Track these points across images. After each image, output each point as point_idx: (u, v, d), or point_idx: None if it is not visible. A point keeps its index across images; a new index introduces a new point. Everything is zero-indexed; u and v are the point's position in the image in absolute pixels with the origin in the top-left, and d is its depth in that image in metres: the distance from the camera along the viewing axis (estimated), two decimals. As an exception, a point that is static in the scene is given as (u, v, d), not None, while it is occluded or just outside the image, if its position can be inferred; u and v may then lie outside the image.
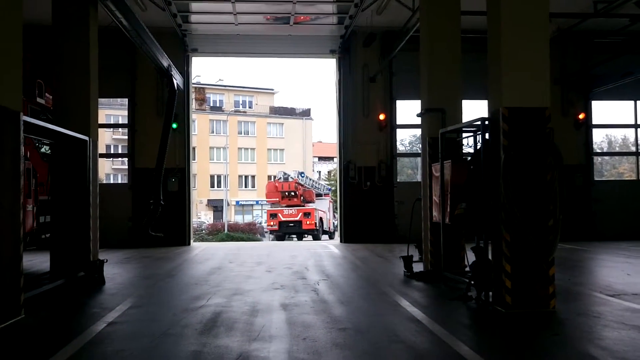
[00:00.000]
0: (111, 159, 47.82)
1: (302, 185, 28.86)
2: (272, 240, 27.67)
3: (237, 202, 58.28)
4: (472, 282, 6.35)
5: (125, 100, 14.69)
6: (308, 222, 26.48)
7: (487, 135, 6.23)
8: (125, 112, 14.72)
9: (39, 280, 7.23)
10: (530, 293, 5.64)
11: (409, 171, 23.35)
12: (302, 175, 29.76)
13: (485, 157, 6.18)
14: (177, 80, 12.79)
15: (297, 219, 26.52)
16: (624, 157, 19.46)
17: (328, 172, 79.24)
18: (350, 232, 14.52)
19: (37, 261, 9.47)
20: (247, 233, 37.79)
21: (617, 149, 29.78)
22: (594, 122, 15.23)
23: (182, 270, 9.20)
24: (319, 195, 31.71)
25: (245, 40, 14.45)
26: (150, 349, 4.42)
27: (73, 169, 7.79)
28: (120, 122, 40.10)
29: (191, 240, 14.40)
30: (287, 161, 62.04)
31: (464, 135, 7.77)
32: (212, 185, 56.85)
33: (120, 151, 43.21)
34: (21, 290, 5.54)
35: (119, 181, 46.54)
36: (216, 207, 56.04)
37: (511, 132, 5.72)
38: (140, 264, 9.98)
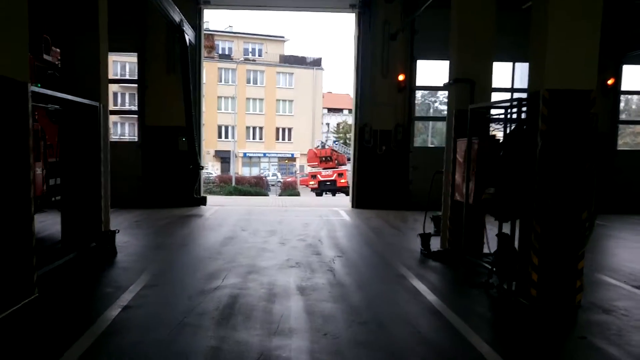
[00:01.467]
0: (118, 116, 46.26)
1: (335, 152, 35.03)
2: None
3: (245, 154, 58.07)
4: (494, 270, 6.17)
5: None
6: (342, 181, 31.80)
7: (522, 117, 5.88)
8: (130, 58, 14.30)
9: (51, 251, 7.10)
10: (557, 287, 5.44)
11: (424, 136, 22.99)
12: (337, 142, 37.28)
13: (519, 141, 5.84)
14: (189, 35, 12.30)
15: (333, 178, 32.39)
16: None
17: (337, 124, 78.57)
18: (363, 198, 14.31)
19: (48, 223, 9.34)
20: (255, 187, 37.90)
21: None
22: (624, 88, 14.66)
23: (194, 239, 9.06)
24: (349, 159, 34.01)
25: (261, -8, 13.83)
26: (168, 342, 4.28)
27: (83, 136, 7.52)
28: (125, 68, 39.40)
29: (206, 201, 14.24)
30: (296, 113, 61.37)
31: (494, 112, 7.39)
32: (220, 136, 56.42)
33: (123, 100, 42.45)
34: (34, 269, 5.39)
35: (125, 133, 46.25)
36: (223, 158, 55.89)
37: (551, 117, 5.36)
38: (150, 230, 9.85)
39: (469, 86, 7.80)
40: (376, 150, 14.24)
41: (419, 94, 16.65)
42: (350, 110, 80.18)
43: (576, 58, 5.36)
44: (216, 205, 15.03)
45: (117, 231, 7.59)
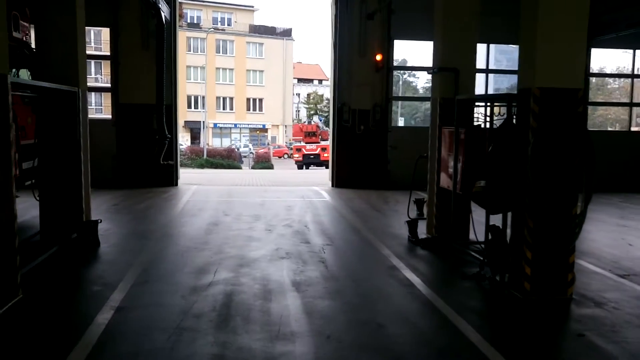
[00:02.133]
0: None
1: (319, 128, 37.25)
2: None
3: (215, 124, 57.24)
4: (485, 262, 6.24)
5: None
6: (325, 155, 32.30)
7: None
8: (94, 28, 13.80)
9: (31, 245, 6.84)
10: (549, 280, 5.53)
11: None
12: (321, 119, 39.60)
13: (509, 137, 5.85)
14: (164, 11, 11.85)
15: (317, 152, 34.37)
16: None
17: (307, 94, 77.93)
18: (342, 177, 14.31)
19: (23, 208, 8.95)
20: (226, 159, 37.50)
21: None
22: (591, 70, 14.86)
23: (177, 226, 8.87)
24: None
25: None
26: (168, 350, 4.17)
27: (61, 122, 7.20)
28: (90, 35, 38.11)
29: (178, 181, 14.00)
30: (267, 83, 60.58)
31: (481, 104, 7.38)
32: (189, 106, 55.33)
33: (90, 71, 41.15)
34: (18, 269, 5.17)
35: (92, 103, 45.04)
36: (193, 129, 54.94)
37: (541, 114, 5.36)
38: (131, 216, 9.62)
39: (453, 74, 7.75)
40: (355, 129, 14.18)
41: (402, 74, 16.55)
42: (320, 81, 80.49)
43: (565, 56, 5.36)
44: (193, 183, 14.82)
45: (99, 221, 7.37)
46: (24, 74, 8.74)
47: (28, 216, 8.46)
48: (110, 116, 13.67)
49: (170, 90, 13.41)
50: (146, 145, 13.32)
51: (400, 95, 22.84)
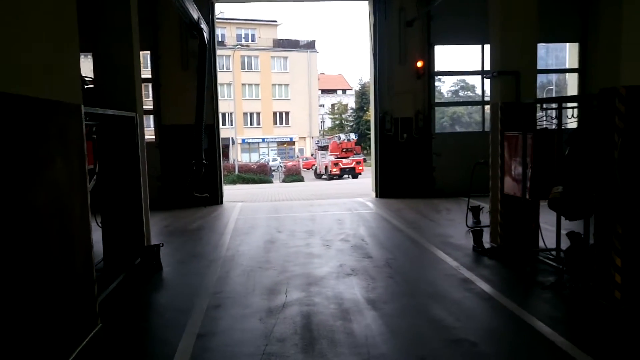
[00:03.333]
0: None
1: (350, 142, 40.57)
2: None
3: (243, 140, 57.65)
4: (564, 269, 5.99)
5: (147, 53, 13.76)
6: (360, 168, 37.98)
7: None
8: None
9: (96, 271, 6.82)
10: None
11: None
12: (356, 135, 44.71)
13: (588, 139, 5.62)
14: (205, 31, 11.90)
15: (352, 166, 37.98)
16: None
17: (332, 105, 78.07)
18: (386, 187, 14.11)
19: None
20: (259, 174, 37.69)
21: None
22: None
23: (234, 245, 8.78)
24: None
25: (273, -16, 13.37)
26: (261, 378, 4.06)
27: (121, 148, 7.22)
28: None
29: (223, 199, 14.00)
30: (293, 96, 60.82)
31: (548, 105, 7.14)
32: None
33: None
34: (96, 299, 5.14)
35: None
36: (223, 145, 55.36)
37: (628, 114, 5.11)
38: (184, 237, 9.59)
39: (514, 78, 7.52)
40: (397, 138, 14.00)
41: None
42: (344, 91, 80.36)
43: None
44: (237, 201, 14.83)
45: (161, 245, 7.34)
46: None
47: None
48: (153, 138, 13.76)
49: (212, 109, 13.45)
50: (189, 165, 13.34)
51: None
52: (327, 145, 41.65)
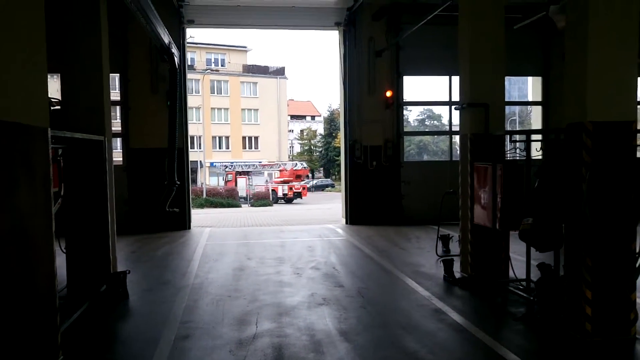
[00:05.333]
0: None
1: (304, 170, 47.24)
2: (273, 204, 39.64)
3: (212, 163, 57.09)
4: (535, 301, 6.04)
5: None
6: (305, 192, 44.26)
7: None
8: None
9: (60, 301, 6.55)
10: (611, 320, 5.32)
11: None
12: (302, 164, 49.15)
13: (557, 172, 5.74)
14: (176, 55, 11.83)
15: (300, 190, 43.33)
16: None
17: (301, 131, 78.43)
18: (356, 213, 14.14)
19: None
20: (227, 198, 37.32)
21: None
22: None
23: (202, 272, 8.57)
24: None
25: (245, 12, 13.47)
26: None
27: (87, 172, 7.02)
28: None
29: (191, 224, 13.75)
30: (262, 121, 60.86)
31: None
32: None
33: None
34: (58, 329, 4.90)
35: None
36: (190, 168, 54.67)
37: (595, 149, 5.25)
38: (151, 263, 9.33)
39: (483, 110, 7.68)
40: (367, 166, 14.09)
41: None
42: (312, 117, 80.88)
43: (616, 91, 5.27)
44: (205, 226, 14.59)
45: (128, 272, 7.11)
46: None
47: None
48: (121, 161, 13.47)
49: (182, 134, 13.30)
50: (158, 189, 13.08)
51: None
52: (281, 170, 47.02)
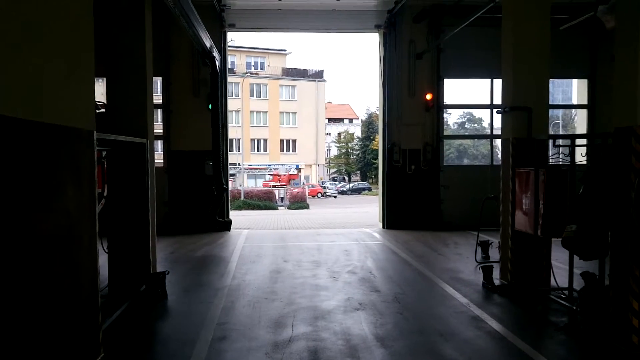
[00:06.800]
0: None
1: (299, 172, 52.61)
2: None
3: (250, 166, 57.75)
4: (578, 310, 5.85)
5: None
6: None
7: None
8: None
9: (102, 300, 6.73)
10: (659, 333, 5.10)
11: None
12: (297, 167, 55.51)
13: (603, 178, 5.54)
14: (217, 59, 12.01)
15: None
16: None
17: (338, 134, 78.50)
18: (393, 218, 14.02)
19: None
20: (263, 200, 37.66)
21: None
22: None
23: (239, 274, 8.67)
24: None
25: (286, 15, 13.59)
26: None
27: (130, 174, 7.18)
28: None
29: (230, 226, 13.91)
30: (300, 124, 61.20)
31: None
32: (225, 149, 56.05)
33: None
34: (100, 328, 5.03)
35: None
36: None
37: (645, 154, 5.05)
38: (190, 265, 9.48)
39: (526, 113, 7.50)
40: (405, 169, 13.96)
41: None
42: (350, 120, 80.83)
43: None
44: (243, 227, 14.74)
45: (167, 272, 7.24)
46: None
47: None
48: (162, 162, 13.77)
49: (222, 137, 13.48)
50: (197, 191, 13.37)
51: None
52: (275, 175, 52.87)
